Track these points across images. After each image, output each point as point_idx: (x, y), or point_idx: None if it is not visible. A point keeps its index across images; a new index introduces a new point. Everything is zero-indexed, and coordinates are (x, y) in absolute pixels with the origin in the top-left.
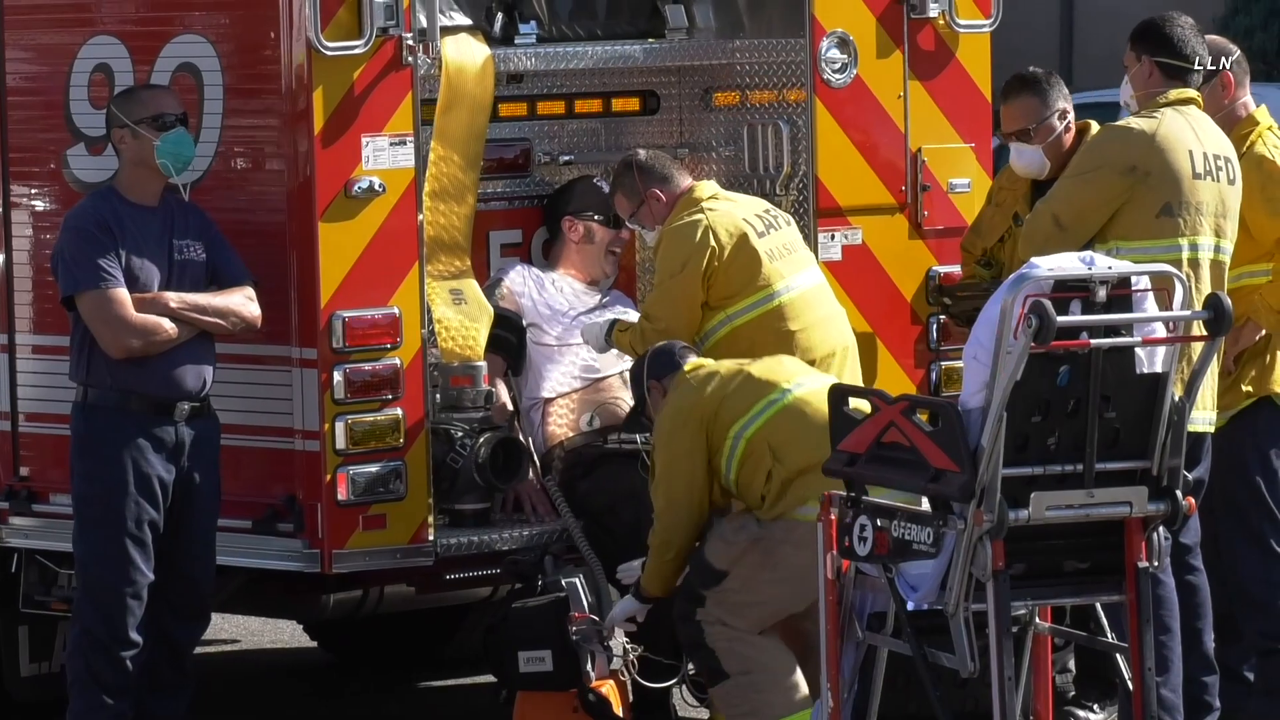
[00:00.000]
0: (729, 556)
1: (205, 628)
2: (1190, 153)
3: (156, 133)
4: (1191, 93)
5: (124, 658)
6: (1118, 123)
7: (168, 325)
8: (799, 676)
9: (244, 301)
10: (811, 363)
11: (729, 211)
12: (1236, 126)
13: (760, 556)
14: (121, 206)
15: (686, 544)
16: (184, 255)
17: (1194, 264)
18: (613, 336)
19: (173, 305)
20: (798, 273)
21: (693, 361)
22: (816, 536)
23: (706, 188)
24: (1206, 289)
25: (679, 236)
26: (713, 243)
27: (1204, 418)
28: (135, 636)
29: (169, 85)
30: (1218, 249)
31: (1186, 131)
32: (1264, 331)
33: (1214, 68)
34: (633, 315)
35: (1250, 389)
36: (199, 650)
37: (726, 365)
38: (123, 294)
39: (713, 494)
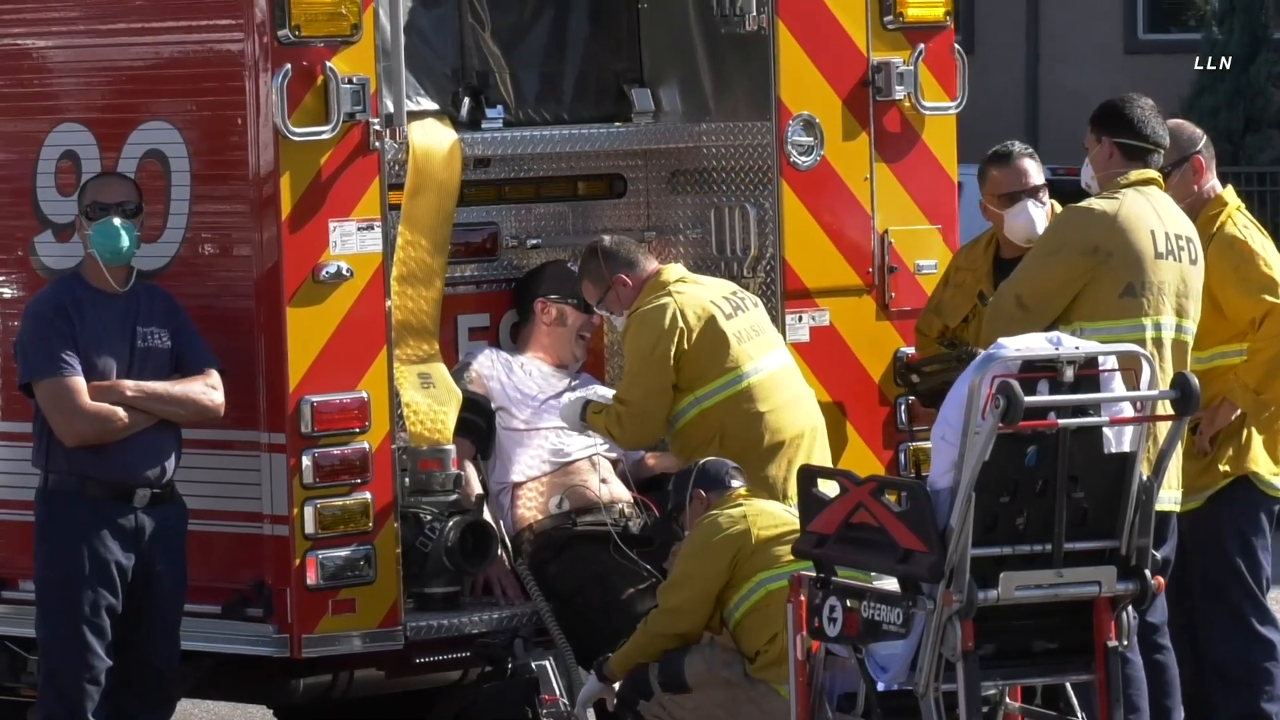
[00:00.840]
0: (702, 680)
1: (170, 713)
2: (1152, 233)
3: (88, 222)
4: (1152, 173)
5: None
6: (1080, 204)
7: (122, 413)
8: None
9: (204, 390)
10: (780, 444)
11: (696, 294)
12: (1205, 208)
13: (728, 701)
14: (83, 292)
15: (670, 648)
16: (147, 343)
17: (1158, 343)
18: (587, 417)
19: (129, 393)
20: (766, 354)
21: (743, 490)
22: (788, 717)
23: (673, 271)
24: (1170, 368)
25: (648, 320)
26: (681, 325)
27: (1170, 497)
28: None
29: (133, 173)
30: (1179, 328)
31: (1148, 212)
32: (1239, 411)
33: (1185, 154)
34: (605, 391)
35: (1228, 469)
36: None
37: (778, 511)
38: (78, 382)
39: (711, 621)
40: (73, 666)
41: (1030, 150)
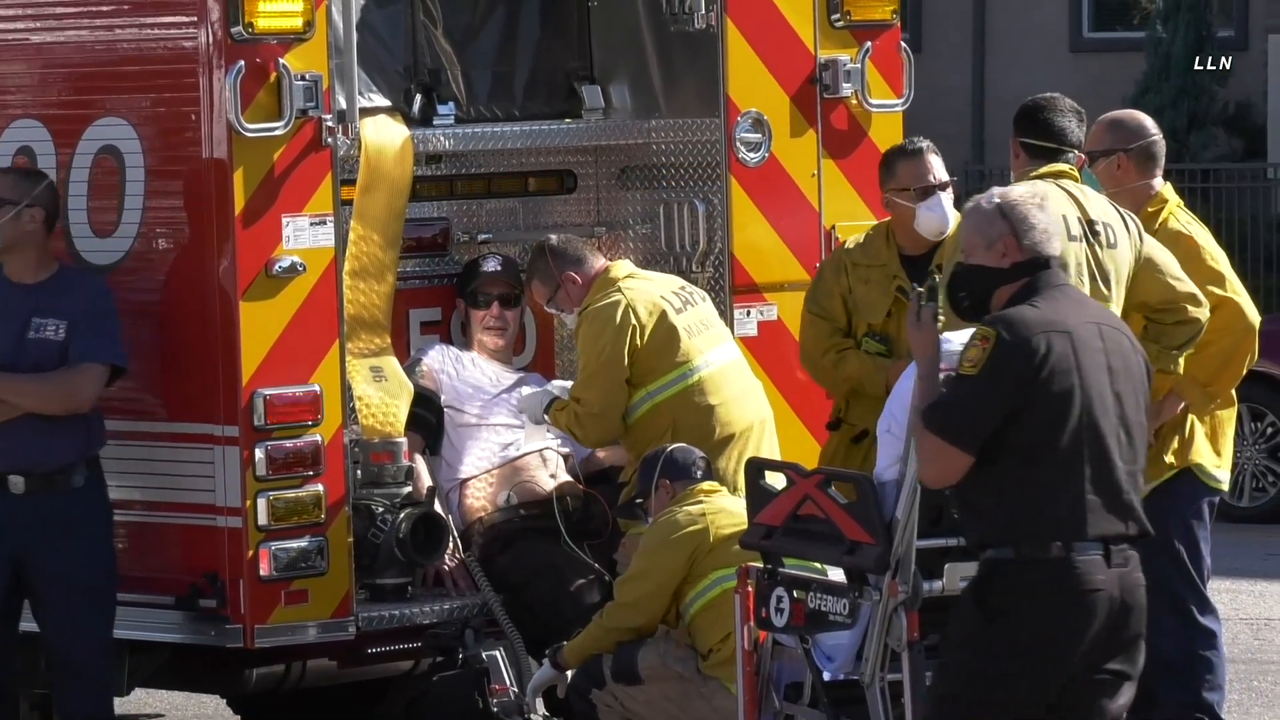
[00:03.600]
0: (655, 673)
1: (98, 698)
2: (1064, 217)
3: None
4: (1063, 167)
5: None
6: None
7: None
8: None
9: (62, 380)
10: (731, 436)
11: (646, 290)
12: (1146, 204)
13: (679, 695)
14: (1, 280)
15: (625, 640)
16: (39, 334)
17: None
18: (551, 414)
19: None
20: (715, 348)
21: (709, 485)
22: (736, 713)
23: (622, 267)
24: None
25: (600, 318)
26: (634, 321)
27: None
28: None
29: (87, 169)
30: None
31: (1060, 197)
32: (1183, 404)
33: (1114, 148)
34: (562, 390)
35: (1173, 460)
36: None
37: (738, 510)
38: None
39: (667, 615)
40: None
41: (935, 147)
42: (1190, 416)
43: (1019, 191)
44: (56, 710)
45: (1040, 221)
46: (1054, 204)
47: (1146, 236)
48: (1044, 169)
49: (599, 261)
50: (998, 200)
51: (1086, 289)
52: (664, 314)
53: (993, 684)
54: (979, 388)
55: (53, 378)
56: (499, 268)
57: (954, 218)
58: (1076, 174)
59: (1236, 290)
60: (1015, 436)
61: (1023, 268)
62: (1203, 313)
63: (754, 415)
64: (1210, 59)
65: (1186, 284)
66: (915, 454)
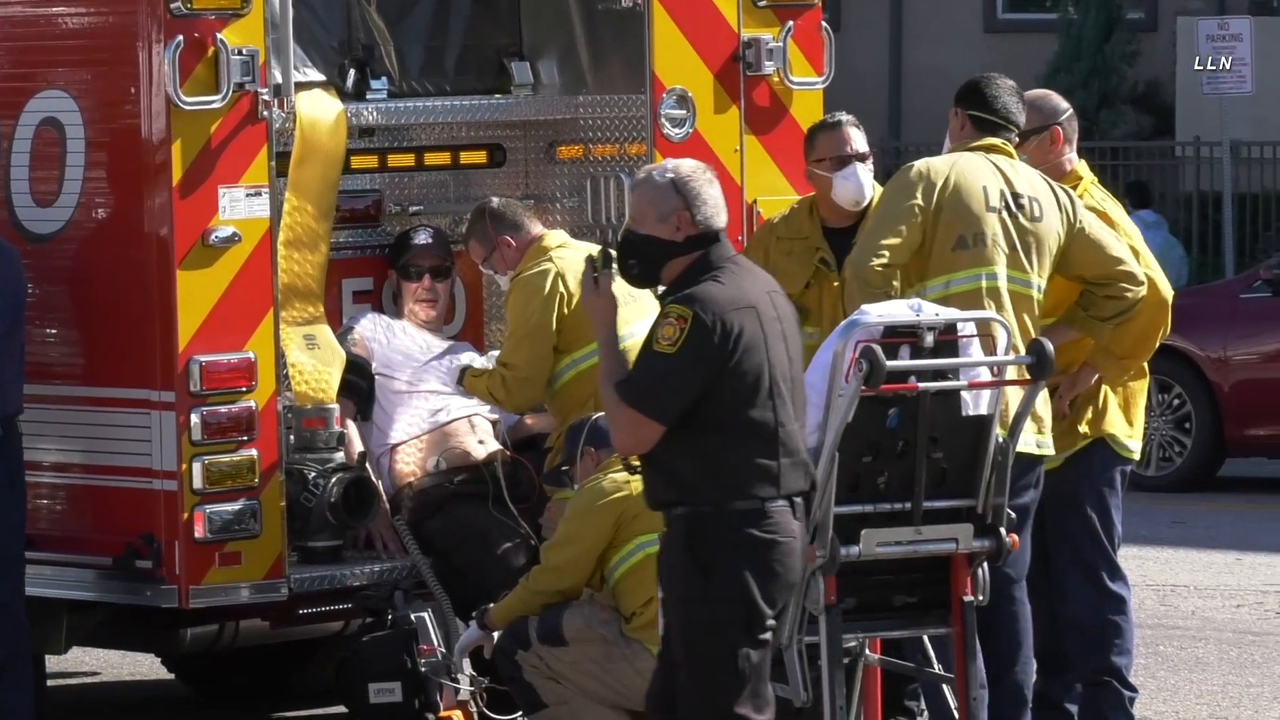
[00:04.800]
0: (580, 636)
1: (18, 648)
2: (985, 188)
3: None
4: (998, 142)
5: None
6: (909, 164)
7: None
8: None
9: None
10: None
11: (576, 260)
12: (1063, 179)
13: (601, 656)
14: None
15: (550, 604)
16: None
17: (994, 293)
18: (465, 381)
19: None
20: (640, 320)
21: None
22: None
23: (555, 237)
24: (1012, 318)
25: (530, 286)
26: (562, 289)
27: (1035, 441)
28: None
29: (29, 139)
30: (1019, 280)
31: (983, 169)
32: (1097, 376)
33: (1046, 123)
34: (479, 360)
35: (1086, 430)
36: (61, 682)
37: None
38: None
39: (592, 579)
40: None
41: (856, 121)
42: (1104, 388)
43: (690, 166)
44: None
45: (710, 197)
46: (974, 175)
47: (1086, 213)
48: (975, 143)
49: (536, 228)
50: (671, 175)
51: (1003, 259)
52: None
53: (721, 629)
54: (675, 365)
55: None
56: (430, 240)
57: (871, 188)
58: (1012, 150)
59: (1150, 265)
60: (712, 407)
61: (695, 241)
62: (1138, 291)
63: None
64: (1119, 41)
65: (1129, 265)
66: (613, 422)
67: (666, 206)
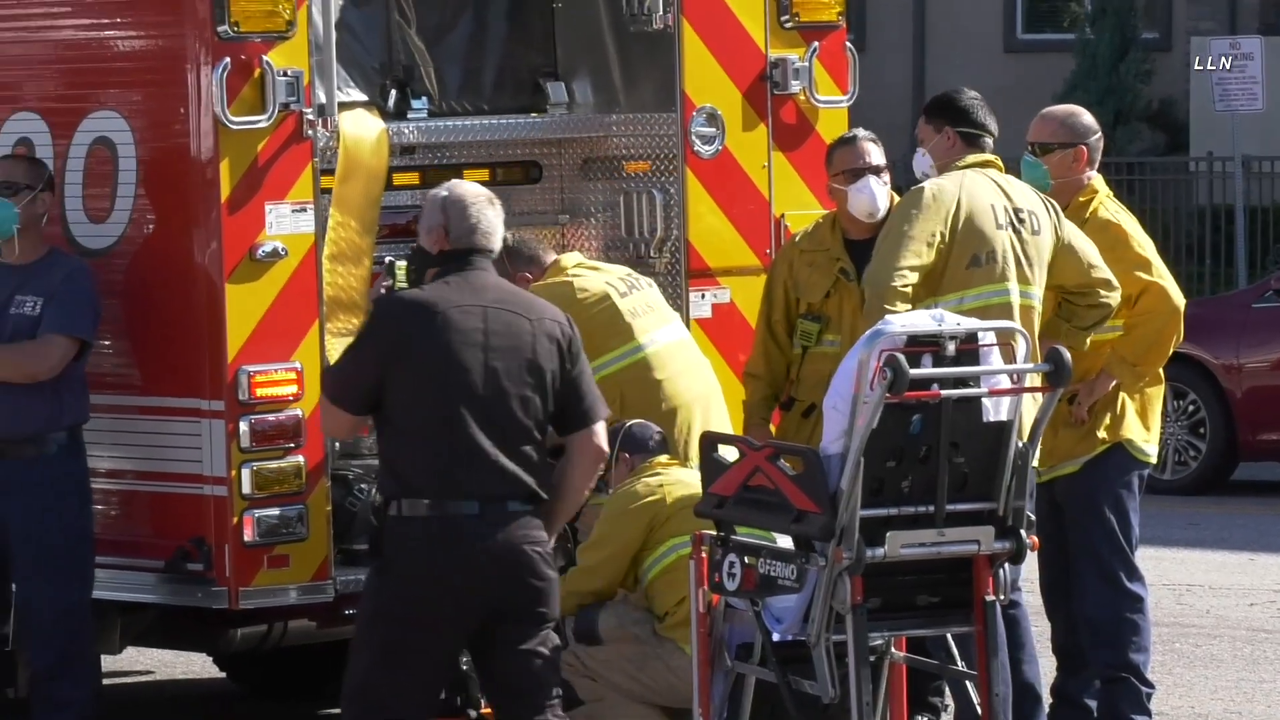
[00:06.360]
0: (614, 635)
1: (62, 658)
2: (992, 206)
3: None
4: (988, 156)
5: None
6: (922, 184)
7: None
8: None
9: (21, 350)
10: (677, 409)
11: (593, 276)
12: (1079, 193)
13: (637, 656)
14: None
15: (586, 604)
16: (19, 310)
17: (1005, 309)
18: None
19: None
20: (660, 328)
21: (666, 458)
22: (691, 672)
23: (571, 258)
24: None
25: (552, 298)
26: (581, 300)
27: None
28: None
29: (82, 159)
30: (1025, 294)
31: (988, 187)
32: (1114, 382)
33: (1073, 141)
34: None
35: (1104, 435)
36: (115, 680)
37: (693, 481)
38: None
39: (626, 580)
40: None
41: (874, 136)
42: (1121, 394)
43: (466, 188)
44: (23, 665)
45: (476, 218)
46: (982, 195)
47: (1066, 221)
48: (971, 159)
49: (550, 256)
50: (444, 194)
51: (1014, 274)
52: (608, 295)
53: (385, 623)
54: (350, 355)
55: (15, 347)
56: None
57: (886, 200)
58: (1000, 162)
59: (1162, 275)
60: (389, 401)
61: (447, 256)
62: (1114, 297)
63: (699, 389)
64: (1134, 60)
65: (1102, 270)
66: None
67: (432, 221)
